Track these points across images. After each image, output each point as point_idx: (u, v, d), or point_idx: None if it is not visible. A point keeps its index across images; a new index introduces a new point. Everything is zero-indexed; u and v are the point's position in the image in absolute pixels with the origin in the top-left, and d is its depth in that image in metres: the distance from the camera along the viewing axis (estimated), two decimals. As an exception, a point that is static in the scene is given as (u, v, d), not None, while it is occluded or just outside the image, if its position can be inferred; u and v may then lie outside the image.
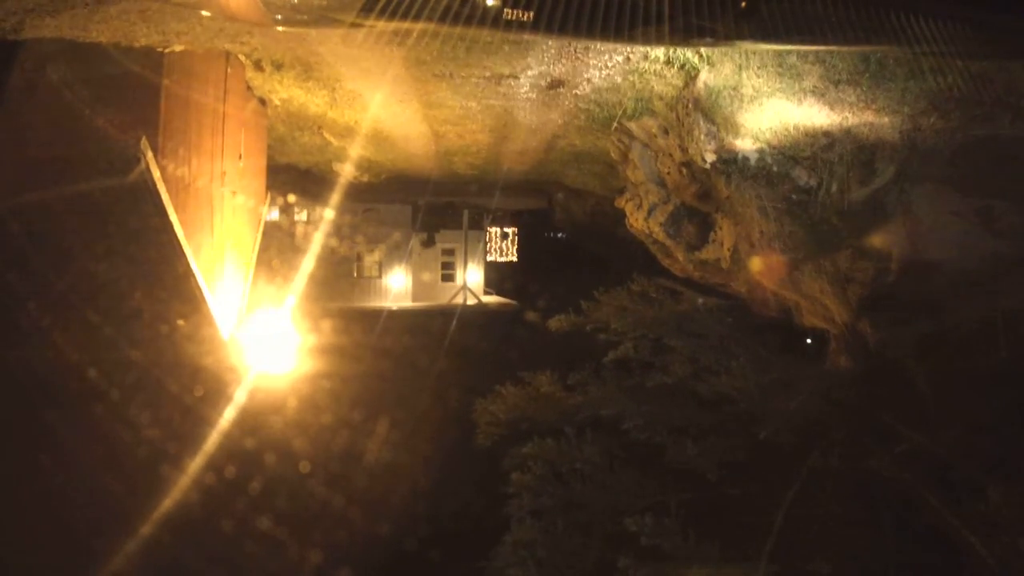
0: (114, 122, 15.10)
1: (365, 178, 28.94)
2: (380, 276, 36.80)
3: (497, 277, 38.68)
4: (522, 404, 22.18)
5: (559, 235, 38.82)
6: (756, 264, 19.57)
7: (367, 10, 13.41)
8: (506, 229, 38.12)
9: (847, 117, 15.85)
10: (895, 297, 19.60)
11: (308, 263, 28.46)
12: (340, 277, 35.62)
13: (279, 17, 14.20)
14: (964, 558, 16.07)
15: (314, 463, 21.67)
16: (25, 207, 15.02)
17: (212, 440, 18.00)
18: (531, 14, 14.42)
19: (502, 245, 38.32)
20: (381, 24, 13.62)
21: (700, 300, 23.47)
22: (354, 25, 13.99)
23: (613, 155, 22.31)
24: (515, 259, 38.32)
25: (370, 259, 36.62)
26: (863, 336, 20.35)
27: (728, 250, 20.34)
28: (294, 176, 28.51)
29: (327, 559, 20.26)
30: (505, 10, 14.46)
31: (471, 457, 22.27)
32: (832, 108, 15.65)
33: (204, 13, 13.64)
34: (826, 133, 16.07)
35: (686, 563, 15.75)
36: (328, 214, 32.14)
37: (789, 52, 14.74)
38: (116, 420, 16.66)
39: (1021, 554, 15.44)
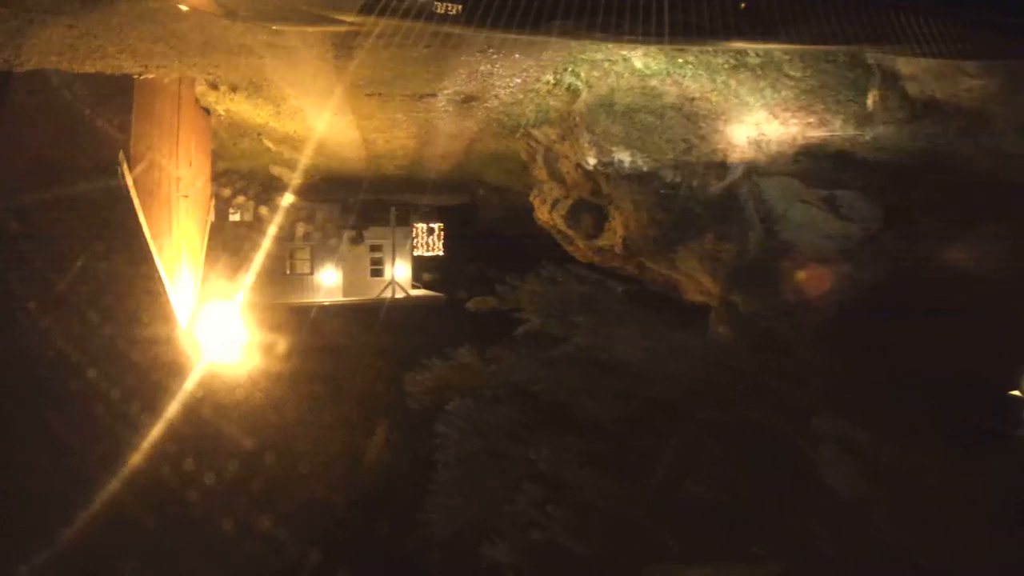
0: (95, 137, 20.19)
1: (300, 180, 33.61)
2: (312, 273, 39.64)
3: (424, 271, 42.15)
4: (446, 374, 27.69)
5: (482, 228, 43.24)
6: (640, 248, 25.28)
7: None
8: (432, 225, 41.60)
9: (702, 126, 21.46)
10: (760, 272, 25.37)
11: (245, 262, 33.02)
12: (273, 274, 39.12)
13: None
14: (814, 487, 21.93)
15: (262, 437, 26.45)
16: (20, 207, 19.95)
17: (175, 415, 22.76)
18: (459, 7, 17.68)
19: (428, 240, 41.68)
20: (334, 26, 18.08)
21: (608, 283, 29.26)
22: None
23: (523, 157, 27.77)
24: (441, 253, 41.79)
25: (301, 256, 39.35)
26: (736, 307, 26.09)
27: (620, 237, 25.99)
28: (234, 179, 33.24)
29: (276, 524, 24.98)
30: (435, 3, 17.73)
31: (403, 423, 27.56)
32: (689, 119, 21.23)
33: (182, 7, 17.07)
34: (685, 140, 21.71)
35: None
36: (264, 214, 36.49)
37: (651, 75, 20.25)
38: (95, 398, 21.32)
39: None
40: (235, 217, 37.40)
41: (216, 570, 22.63)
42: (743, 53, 18.81)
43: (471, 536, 22.22)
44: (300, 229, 38.55)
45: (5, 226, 19.75)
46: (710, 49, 19.08)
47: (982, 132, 19.19)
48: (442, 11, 17.95)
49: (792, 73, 19.69)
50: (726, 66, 19.58)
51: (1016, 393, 24.89)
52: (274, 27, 17.50)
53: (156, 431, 21.52)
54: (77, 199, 20.27)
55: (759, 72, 19.65)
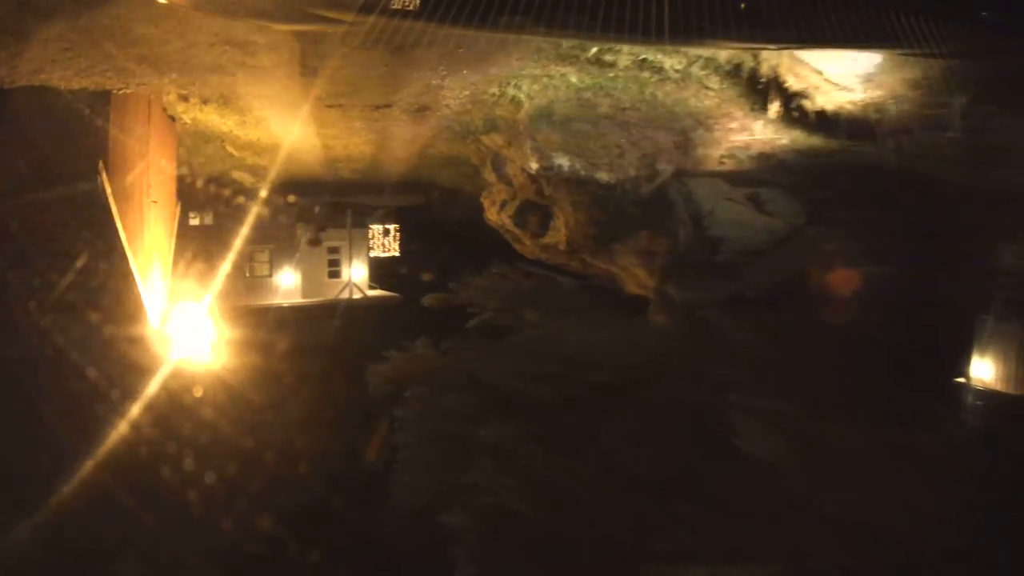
0: (76, 146, 23.20)
1: (261, 184, 36.37)
2: (271, 275, 41.56)
3: (381, 271, 43.55)
4: (404, 365, 30.86)
5: (436, 229, 45.87)
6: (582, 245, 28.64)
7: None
8: (388, 226, 43.28)
9: (633, 133, 24.74)
10: (692, 266, 28.76)
11: (208, 264, 35.58)
12: (233, 277, 39.42)
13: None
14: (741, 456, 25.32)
15: (233, 425, 29.24)
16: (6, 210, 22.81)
17: (148, 408, 25.60)
18: (417, 2, 19.37)
19: (384, 241, 43.44)
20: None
21: (554, 278, 32.62)
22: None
23: (474, 161, 30.93)
24: (397, 253, 43.33)
25: (260, 259, 41.23)
26: (672, 298, 29.45)
27: (564, 236, 29.30)
28: (197, 184, 35.94)
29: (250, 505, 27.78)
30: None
31: (365, 410, 30.63)
32: (621, 127, 24.50)
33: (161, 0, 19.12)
34: (618, 145, 24.99)
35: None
36: (225, 218, 38.76)
37: (585, 88, 23.48)
38: (72, 392, 24.06)
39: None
40: (196, 221, 39.03)
41: (191, 546, 25.58)
42: (662, 68, 22.00)
43: (431, 505, 25.36)
44: (260, 232, 39.63)
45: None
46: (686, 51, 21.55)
47: (875, 136, 22.64)
48: (399, 5, 19.59)
49: (711, 85, 22.98)
50: (652, 79, 22.79)
51: (960, 380, 28.43)
52: (259, 22, 19.36)
53: (130, 423, 23.75)
54: (59, 204, 23.26)
55: (681, 84, 22.93)
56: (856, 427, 25.78)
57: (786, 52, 20.52)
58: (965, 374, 28.03)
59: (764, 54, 20.99)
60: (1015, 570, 21.22)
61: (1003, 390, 27.44)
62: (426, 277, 38.63)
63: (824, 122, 22.76)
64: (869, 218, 27.62)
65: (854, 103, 21.73)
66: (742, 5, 19.86)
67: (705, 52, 21.14)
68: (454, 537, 24.51)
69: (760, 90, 22.62)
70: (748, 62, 21.55)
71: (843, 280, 28.55)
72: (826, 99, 21.83)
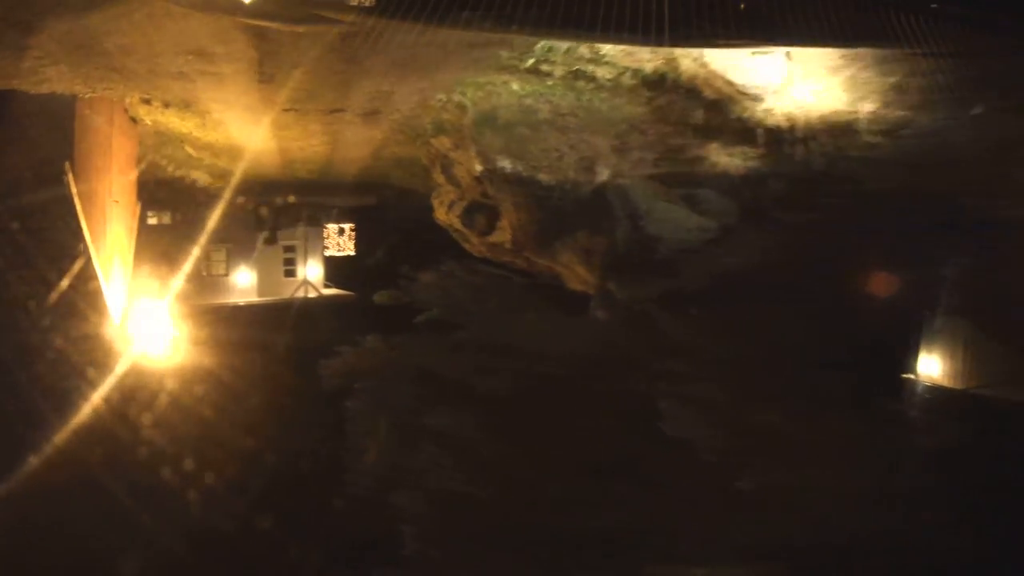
0: (43, 148, 25.23)
1: (218, 184, 38.11)
2: (227, 274, 43.06)
3: (336, 270, 45.54)
4: (355, 360, 33.03)
5: (389, 228, 47.62)
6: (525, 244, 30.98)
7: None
8: (343, 225, 45.38)
9: (571, 137, 27.03)
10: (631, 263, 31.09)
11: (167, 263, 36.90)
12: (190, 275, 39.13)
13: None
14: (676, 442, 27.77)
15: (193, 416, 31.04)
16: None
17: (108, 400, 27.50)
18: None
19: (339, 240, 45.61)
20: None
21: (501, 276, 34.94)
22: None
23: (424, 162, 33.13)
24: (352, 252, 45.69)
25: (217, 258, 42.63)
26: (612, 294, 31.78)
27: (509, 235, 31.60)
28: (157, 184, 37.71)
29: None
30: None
31: (318, 404, 32.75)
32: (560, 131, 26.79)
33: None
34: (557, 149, 27.30)
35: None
36: (184, 218, 39.69)
37: (526, 95, 25.72)
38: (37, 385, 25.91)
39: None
40: (155, 221, 39.83)
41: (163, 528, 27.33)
42: (595, 78, 24.30)
43: (382, 489, 27.56)
44: (217, 231, 39.68)
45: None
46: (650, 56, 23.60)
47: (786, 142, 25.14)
48: (356, 2, 21.58)
49: (644, 93, 25.29)
50: (588, 87, 25.07)
51: (909, 375, 31.36)
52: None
53: (92, 412, 26.10)
54: (28, 205, 25.28)
55: (615, 92, 25.21)
56: (781, 413, 28.42)
57: (701, 65, 22.93)
58: (911, 370, 31.21)
59: (683, 66, 23.35)
60: (930, 553, 23.75)
61: (946, 385, 30.41)
62: (378, 275, 40.68)
63: (741, 130, 25.20)
64: (800, 218, 29.97)
65: (766, 111, 24.22)
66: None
67: (632, 64, 23.48)
68: (404, 518, 26.79)
69: (687, 98, 24.93)
70: (671, 74, 23.87)
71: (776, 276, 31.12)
72: (740, 108, 24.28)
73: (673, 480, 26.06)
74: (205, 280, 42.33)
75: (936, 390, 30.82)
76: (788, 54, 22.28)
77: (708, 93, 24.15)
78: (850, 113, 24.30)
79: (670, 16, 20.56)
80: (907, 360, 31.60)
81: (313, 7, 21.07)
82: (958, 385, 30.32)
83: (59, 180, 25.80)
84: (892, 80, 22.71)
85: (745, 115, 24.62)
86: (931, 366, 31.17)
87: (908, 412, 30.81)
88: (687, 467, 26.61)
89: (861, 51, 21.44)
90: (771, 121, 24.80)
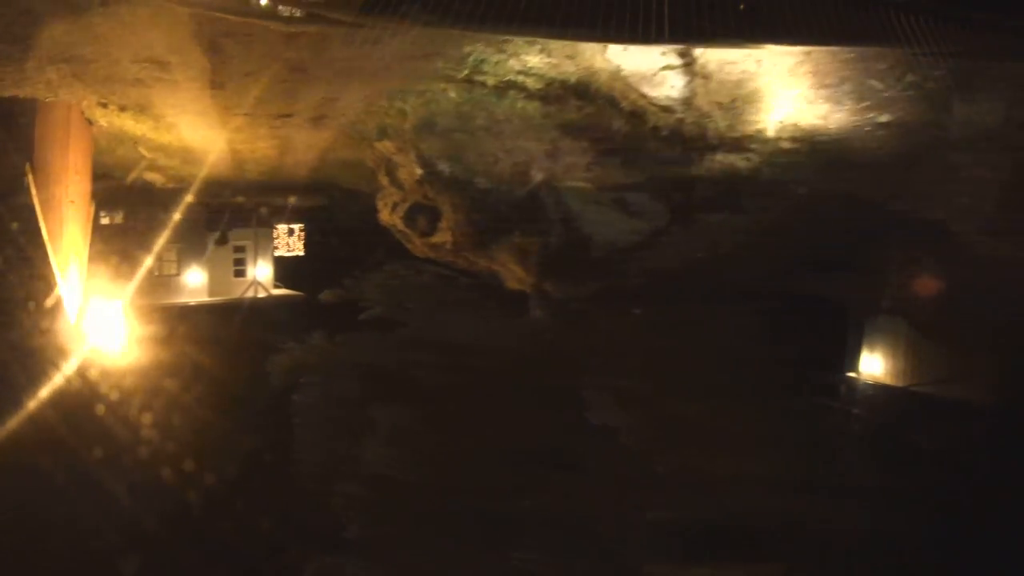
0: (7, 150, 27.29)
1: (171, 184, 39.83)
2: (178, 274, 44.01)
3: (285, 270, 46.78)
4: (301, 356, 35.39)
5: (337, 229, 49.10)
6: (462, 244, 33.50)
7: None
8: (292, 226, 46.76)
9: (507, 143, 29.49)
10: (565, 263, 33.62)
11: (120, 263, 37.79)
12: (142, 275, 40.27)
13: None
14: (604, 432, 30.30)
15: (144, 411, 32.67)
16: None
17: (63, 397, 29.28)
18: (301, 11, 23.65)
19: (289, 241, 46.98)
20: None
21: (442, 275, 37.44)
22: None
23: (370, 164, 35.49)
24: (302, 253, 47.16)
25: (168, 258, 43.28)
26: (548, 293, 34.34)
27: (449, 236, 34.10)
28: (111, 184, 39.54)
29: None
30: (279, 8, 23.96)
31: (266, 398, 34.97)
32: (496, 137, 29.23)
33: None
34: (493, 154, 29.78)
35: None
36: (137, 218, 41.20)
37: (463, 103, 28.10)
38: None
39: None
40: (107, 220, 40.90)
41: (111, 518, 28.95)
42: (526, 87, 26.75)
43: (326, 477, 29.92)
44: (168, 231, 41.19)
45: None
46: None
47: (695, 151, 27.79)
48: (288, 14, 23.45)
49: (572, 102, 27.73)
50: (521, 96, 27.50)
51: (852, 375, 33.65)
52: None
53: (46, 407, 27.56)
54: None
55: (546, 100, 27.65)
56: (704, 405, 31.01)
57: (618, 78, 25.49)
58: (844, 367, 33.67)
59: (602, 79, 25.89)
60: (832, 539, 25.40)
61: (882, 382, 32.65)
62: (325, 275, 42.89)
63: (661, 138, 27.81)
64: (727, 220, 32.46)
65: (679, 121, 26.87)
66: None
67: (558, 75, 26.01)
68: (346, 504, 29.13)
69: (610, 108, 27.44)
70: (593, 84, 26.39)
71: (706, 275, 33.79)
72: (656, 119, 26.90)
73: (595, 465, 28.71)
74: (156, 280, 43.16)
75: (870, 387, 33.12)
76: (697, 70, 24.95)
77: (625, 104, 26.66)
78: (756, 123, 26.83)
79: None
80: (839, 358, 33.94)
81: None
82: (894, 383, 32.43)
83: (19, 182, 27.64)
84: (796, 92, 25.33)
85: (660, 125, 27.16)
86: (867, 364, 33.43)
87: (839, 407, 33.04)
88: (609, 453, 29.22)
89: (766, 63, 24.07)
90: (685, 131, 27.35)
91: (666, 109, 26.46)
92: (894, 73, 24.44)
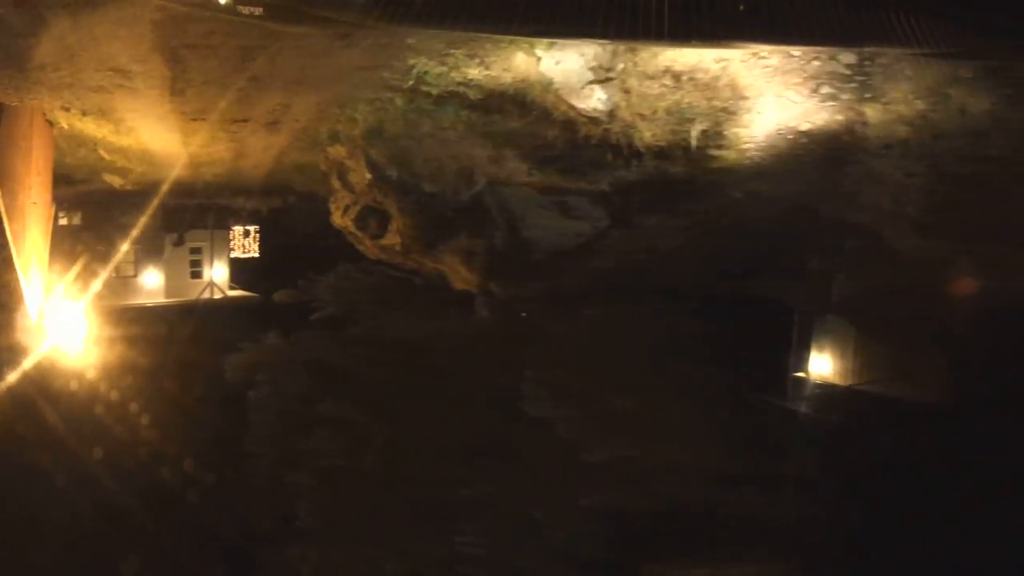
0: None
1: (129, 186, 41.34)
2: (135, 275, 45.66)
3: (241, 272, 49.01)
4: (256, 354, 37.68)
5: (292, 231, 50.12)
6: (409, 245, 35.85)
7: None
8: (248, 228, 48.91)
9: (451, 149, 31.80)
10: (510, 265, 35.96)
11: (79, 264, 39.30)
12: (99, 276, 41.08)
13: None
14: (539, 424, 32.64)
15: (104, 406, 34.60)
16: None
17: (27, 393, 31.44)
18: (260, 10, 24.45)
19: (245, 242, 49.05)
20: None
21: (392, 276, 39.81)
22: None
23: (323, 168, 37.69)
24: (257, 254, 49.37)
25: (126, 259, 44.53)
26: (494, 293, 36.72)
27: (398, 238, 36.43)
28: (70, 186, 41.26)
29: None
30: (239, 7, 24.41)
31: (222, 395, 37.12)
32: (441, 144, 31.54)
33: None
34: (438, 159, 32.11)
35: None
36: (94, 219, 43.60)
37: (409, 111, 30.33)
38: None
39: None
40: (65, 221, 43.02)
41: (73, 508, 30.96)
42: (467, 97, 29.05)
43: (280, 468, 32.17)
44: (125, 233, 43.00)
45: None
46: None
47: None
48: (247, 12, 23.88)
49: (513, 111, 29.94)
50: (463, 104, 29.72)
51: (801, 374, 35.13)
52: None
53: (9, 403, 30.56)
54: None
55: (489, 109, 29.88)
56: (639, 400, 33.29)
57: (549, 91, 27.84)
58: (787, 366, 35.17)
59: (536, 91, 28.22)
60: (760, 528, 27.91)
61: (826, 381, 34.22)
62: (280, 276, 45.01)
63: (593, 146, 30.22)
64: (665, 223, 34.71)
65: (607, 131, 29.31)
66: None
67: (496, 87, 28.34)
68: (298, 494, 31.40)
69: (546, 118, 29.74)
70: (529, 95, 28.64)
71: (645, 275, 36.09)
72: (586, 129, 29.29)
73: (531, 455, 31.11)
74: (113, 281, 44.18)
75: (814, 385, 34.73)
76: (620, 84, 27.39)
77: (557, 115, 29.03)
78: (680, 132, 29.23)
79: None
80: (776, 356, 35.39)
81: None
82: (839, 382, 34.13)
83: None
84: (717, 104, 27.72)
85: (590, 134, 29.55)
86: (812, 363, 35.06)
87: (778, 403, 34.78)
88: (544, 443, 31.70)
89: (684, 79, 26.46)
90: (612, 140, 29.76)
91: (593, 120, 28.75)
92: (809, 86, 26.57)
